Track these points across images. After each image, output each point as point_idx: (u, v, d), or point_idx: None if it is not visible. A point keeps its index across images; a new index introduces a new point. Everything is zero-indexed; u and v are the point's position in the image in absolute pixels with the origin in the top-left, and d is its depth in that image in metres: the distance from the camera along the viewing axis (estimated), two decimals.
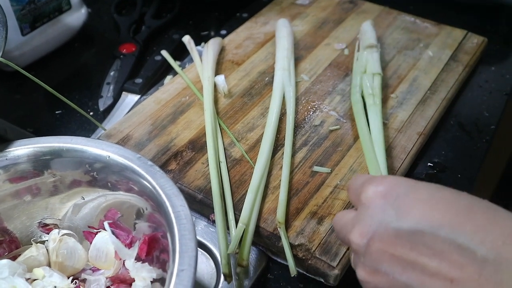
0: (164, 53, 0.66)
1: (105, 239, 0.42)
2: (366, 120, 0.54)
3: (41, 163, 0.43)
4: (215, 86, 0.59)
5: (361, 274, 0.34)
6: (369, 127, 0.53)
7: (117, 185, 0.43)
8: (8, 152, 0.42)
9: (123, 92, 0.64)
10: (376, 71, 0.59)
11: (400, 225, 0.31)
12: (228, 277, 0.43)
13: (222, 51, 0.67)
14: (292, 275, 0.43)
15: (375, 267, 0.32)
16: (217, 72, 0.62)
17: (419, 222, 0.30)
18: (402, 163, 0.52)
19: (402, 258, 0.31)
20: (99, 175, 0.43)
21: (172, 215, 0.37)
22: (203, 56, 0.63)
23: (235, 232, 0.44)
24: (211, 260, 0.46)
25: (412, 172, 0.55)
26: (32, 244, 0.43)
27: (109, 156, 0.42)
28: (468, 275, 0.28)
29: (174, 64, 0.64)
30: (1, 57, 0.45)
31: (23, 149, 0.43)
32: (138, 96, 0.63)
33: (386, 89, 0.61)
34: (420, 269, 0.30)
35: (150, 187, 0.39)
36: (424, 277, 0.30)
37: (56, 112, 0.62)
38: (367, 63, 0.60)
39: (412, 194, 0.32)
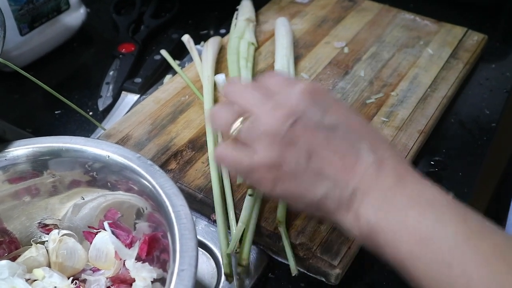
0: (164, 52, 0.66)
1: (105, 239, 0.42)
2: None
3: (40, 163, 0.43)
4: (215, 85, 0.59)
5: (276, 147, 0.36)
6: None
7: (116, 185, 0.43)
8: (7, 152, 0.42)
9: (123, 92, 0.64)
10: (252, 40, 0.65)
11: (323, 120, 0.37)
12: (229, 277, 0.43)
13: (221, 50, 0.66)
14: (293, 274, 0.43)
15: (292, 142, 0.36)
16: (216, 71, 0.62)
17: (339, 122, 0.37)
18: None
19: (316, 144, 0.36)
20: (98, 175, 0.43)
21: (172, 215, 0.37)
22: (203, 55, 0.63)
23: (235, 232, 0.44)
24: (211, 259, 0.46)
25: None
26: (31, 245, 0.43)
27: (108, 156, 0.41)
28: (358, 169, 0.35)
29: (174, 63, 0.64)
30: (0, 57, 0.44)
31: (22, 150, 0.42)
32: (138, 96, 0.63)
33: (386, 87, 0.61)
34: (326, 156, 0.36)
35: (150, 186, 0.39)
36: (326, 161, 0.36)
37: (56, 112, 0.62)
38: (245, 32, 0.65)
39: (338, 102, 0.39)
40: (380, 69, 0.64)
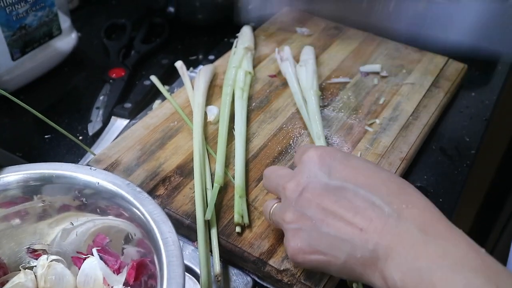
0: (153, 78, 0.67)
1: (93, 265, 0.43)
2: (229, 111, 0.60)
3: (31, 189, 0.44)
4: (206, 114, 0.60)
5: (289, 216, 0.39)
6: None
7: (106, 210, 0.44)
8: None
9: (112, 117, 0.65)
10: (249, 70, 0.66)
11: (330, 182, 0.38)
12: None
13: (214, 77, 0.67)
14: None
15: (303, 212, 0.38)
16: (208, 98, 0.63)
17: (346, 181, 0.38)
18: None
19: (325, 207, 0.37)
20: (88, 200, 0.44)
21: (160, 241, 0.38)
22: (195, 83, 0.64)
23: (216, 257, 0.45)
24: (198, 284, 0.47)
25: None
26: (20, 270, 0.43)
27: (98, 183, 0.42)
28: (375, 226, 0.35)
29: (163, 90, 0.65)
30: None
31: (13, 176, 0.43)
32: (127, 121, 0.64)
33: (369, 114, 0.63)
34: (338, 218, 0.36)
35: (139, 213, 0.40)
36: (340, 224, 0.36)
37: (46, 136, 0.63)
38: (243, 61, 0.67)
39: (345, 161, 0.39)
40: (364, 97, 0.66)
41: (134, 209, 0.41)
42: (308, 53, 0.69)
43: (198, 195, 0.49)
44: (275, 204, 0.44)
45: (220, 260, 0.46)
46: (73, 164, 0.44)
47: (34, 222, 0.45)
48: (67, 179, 0.43)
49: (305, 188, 0.39)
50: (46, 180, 0.43)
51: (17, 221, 0.44)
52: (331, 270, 0.38)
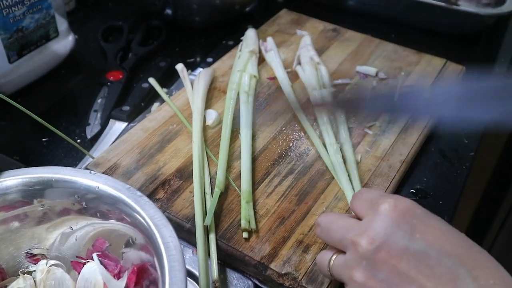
0: (152, 81, 0.67)
1: (93, 270, 0.42)
2: (232, 116, 0.59)
3: (30, 193, 0.43)
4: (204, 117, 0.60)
5: (359, 276, 0.36)
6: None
7: (108, 214, 0.43)
8: None
9: (111, 120, 0.64)
10: (254, 73, 0.66)
11: (411, 244, 0.34)
12: None
13: (213, 80, 0.67)
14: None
15: (375, 273, 0.35)
16: (207, 102, 0.63)
17: (429, 246, 0.34)
18: (385, 190, 0.54)
19: (402, 272, 0.34)
20: (88, 204, 0.43)
21: (162, 246, 0.37)
22: (194, 86, 0.63)
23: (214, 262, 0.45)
24: None
25: None
26: (19, 275, 0.43)
27: (98, 187, 0.42)
28: None
29: (162, 93, 0.65)
30: None
31: (12, 180, 0.43)
32: (126, 124, 0.64)
33: (369, 117, 0.63)
34: (415, 285, 0.33)
35: (140, 217, 0.40)
36: None
37: (43, 139, 0.62)
38: (248, 64, 0.66)
39: (426, 220, 0.36)
40: None
41: (135, 214, 0.40)
42: (308, 47, 0.69)
43: (197, 200, 0.48)
44: (335, 256, 0.39)
45: (220, 264, 0.46)
46: (73, 168, 0.44)
47: (33, 226, 0.45)
48: (67, 183, 0.43)
49: (380, 246, 0.35)
50: (46, 184, 0.43)
51: (16, 224, 0.44)
52: None
